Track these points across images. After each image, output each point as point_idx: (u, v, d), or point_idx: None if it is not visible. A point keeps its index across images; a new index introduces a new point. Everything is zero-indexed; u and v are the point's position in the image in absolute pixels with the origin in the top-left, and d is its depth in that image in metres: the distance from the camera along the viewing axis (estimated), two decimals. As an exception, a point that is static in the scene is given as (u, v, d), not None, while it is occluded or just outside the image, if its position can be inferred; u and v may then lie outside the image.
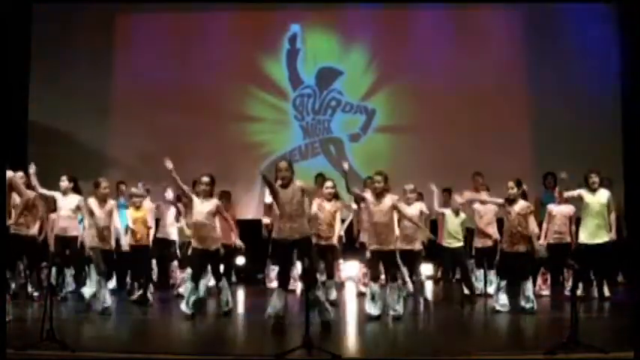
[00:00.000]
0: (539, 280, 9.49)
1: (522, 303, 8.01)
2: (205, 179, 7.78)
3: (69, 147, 11.99)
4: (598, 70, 11.83)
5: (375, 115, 12.47)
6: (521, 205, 8.03)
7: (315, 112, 12.57)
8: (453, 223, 9.15)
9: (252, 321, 7.91)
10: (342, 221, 10.04)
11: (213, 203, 7.80)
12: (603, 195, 8.79)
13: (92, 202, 8.19)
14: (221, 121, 12.37)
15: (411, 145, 12.12)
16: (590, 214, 8.75)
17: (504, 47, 12.18)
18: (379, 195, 7.58)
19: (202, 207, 7.72)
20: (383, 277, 7.93)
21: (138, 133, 12.29)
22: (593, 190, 8.79)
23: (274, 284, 9.74)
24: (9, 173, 6.86)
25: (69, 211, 8.98)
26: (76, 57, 12.27)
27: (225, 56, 12.44)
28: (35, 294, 8.94)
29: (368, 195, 7.71)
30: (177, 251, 9.89)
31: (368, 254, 7.74)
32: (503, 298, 8.08)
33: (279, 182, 7.01)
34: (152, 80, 12.36)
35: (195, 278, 7.79)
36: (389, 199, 7.60)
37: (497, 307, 8.07)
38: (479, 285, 9.36)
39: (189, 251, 8.08)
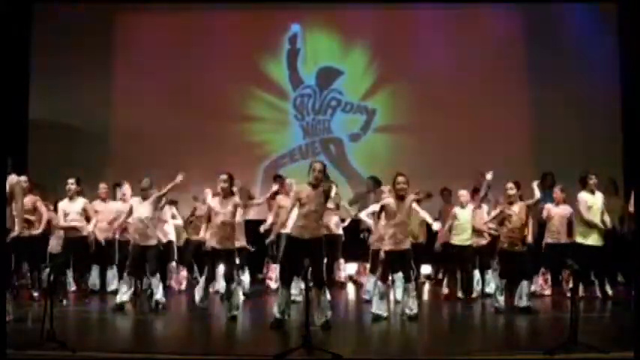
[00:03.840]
0: (540, 280, 9.50)
1: (520, 302, 8.02)
2: (223, 176, 7.72)
3: (69, 147, 11.98)
4: (598, 70, 11.83)
5: (375, 115, 12.47)
6: (519, 205, 8.08)
7: (315, 112, 12.58)
8: (462, 218, 9.12)
9: (253, 321, 7.91)
10: (342, 220, 10.11)
11: (233, 202, 7.74)
12: (599, 197, 8.83)
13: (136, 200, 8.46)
14: (221, 121, 12.37)
15: (411, 145, 12.12)
16: (590, 216, 8.77)
17: (504, 47, 12.18)
18: (402, 197, 7.60)
19: (222, 206, 7.68)
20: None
21: (138, 132, 12.29)
22: (591, 192, 8.82)
23: (273, 284, 9.77)
24: (13, 178, 6.85)
25: (76, 214, 9.05)
26: (76, 57, 12.25)
27: (225, 56, 12.44)
28: (35, 294, 8.95)
29: (390, 200, 7.68)
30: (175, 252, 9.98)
31: (382, 255, 7.73)
32: (502, 299, 8.08)
33: (309, 181, 7.08)
34: (152, 80, 12.35)
35: (210, 279, 7.84)
36: (408, 200, 7.63)
37: (497, 308, 8.06)
38: (476, 286, 9.34)
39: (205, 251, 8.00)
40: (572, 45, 11.93)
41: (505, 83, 12.09)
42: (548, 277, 9.54)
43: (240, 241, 9.04)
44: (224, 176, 7.71)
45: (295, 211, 7.31)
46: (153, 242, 8.34)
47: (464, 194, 9.20)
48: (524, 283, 8.06)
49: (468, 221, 9.09)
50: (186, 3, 12.35)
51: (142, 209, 8.33)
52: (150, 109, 12.30)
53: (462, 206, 9.14)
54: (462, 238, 9.09)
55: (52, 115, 12.30)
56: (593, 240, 8.81)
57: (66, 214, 9.10)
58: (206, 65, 12.36)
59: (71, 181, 9.10)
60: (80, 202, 9.15)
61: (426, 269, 11.08)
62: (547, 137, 11.76)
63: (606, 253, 8.88)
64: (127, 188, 9.61)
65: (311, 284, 6.69)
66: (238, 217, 8.56)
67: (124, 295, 8.29)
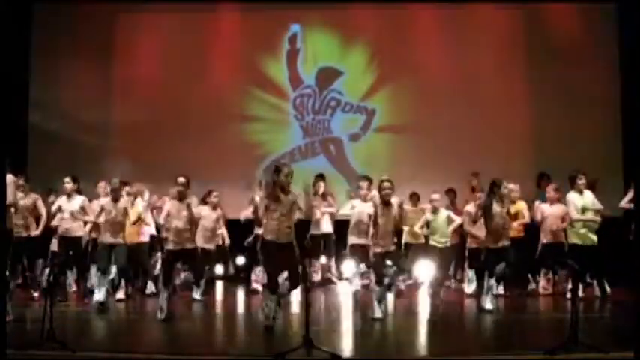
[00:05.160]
0: (543, 281, 9.53)
1: (483, 302, 8.06)
2: (181, 179, 7.75)
3: (69, 147, 11.98)
4: (598, 70, 11.83)
5: (375, 115, 12.46)
6: (505, 204, 8.21)
7: (315, 112, 12.57)
8: (435, 221, 9.24)
9: (252, 321, 7.91)
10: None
11: (188, 205, 7.76)
12: (589, 196, 8.86)
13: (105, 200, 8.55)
14: (221, 121, 12.37)
15: (411, 145, 12.11)
16: (575, 217, 8.82)
17: (504, 47, 12.17)
18: (387, 202, 7.65)
19: (179, 209, 7.70)
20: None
21: (138, 132, 12.29)
22: (579, 192, 8.85)
23: (258, 285, 9.79)
24: (8, 178, 6.85)
25: (74, 213, 9.02)
26: (76, 57, 12.24)
27: (225, 56, 12.45)
28: (35, 294, 8.95)
29: (377, 202, 7.77)
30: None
31: (372, 257, 7.77)
32: (492, 298, 8.12)
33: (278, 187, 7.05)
34: (152, 80, 12.35)
35: (167, 281, 7.77)
36: (395, 203, 7.70)
37: (488, 307, 8.07)
38: (471, 286, 9.35)
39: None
40: (572, 45, 11.92)
41: (505, 83, 12.07)
42: (550, 276, 9.55)
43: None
44: (182, 179, 7.75)
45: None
46: (120, 240, 8.42)
47: (437, 198, 9.29)
48: (493, 282, 8.15)
49: (442, 223, 9.19)
50: (186, 3, 12.34)
51: (114, 211, 8.39)
52: (150, 110, 12.29)
53: (435, 211, 9.23)
54: (435, 238, 9.17)
55: (52, 115, 12.29)
56: (585, 240, 8.83)
57: (63, 213, 9.09)
58: (206, 65, 12.37)
59: (67, 179, 9.07)
60: (79, 200, 9.12)
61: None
62: (547, 137, 11.75)
63: (602, 252, 8.89)
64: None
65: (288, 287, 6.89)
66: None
67: (101, 294, 8.24)
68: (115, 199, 8.44)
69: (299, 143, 12.51)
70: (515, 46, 12.19)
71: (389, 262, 7.78)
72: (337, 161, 12.38)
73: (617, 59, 11.85)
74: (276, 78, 12.60)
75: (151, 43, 12.49)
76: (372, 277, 7.93)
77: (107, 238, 8.42)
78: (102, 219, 8.57)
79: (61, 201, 9.14)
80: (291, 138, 12.57)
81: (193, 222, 7.84)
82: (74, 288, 9.63)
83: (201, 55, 12.42)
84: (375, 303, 7.61)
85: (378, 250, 7.64)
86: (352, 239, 8.39)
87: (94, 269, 9.93)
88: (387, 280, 7.72)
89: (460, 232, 9.65)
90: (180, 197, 7.76)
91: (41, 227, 9.01)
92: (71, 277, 9.62)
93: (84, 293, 9.22)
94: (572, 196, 8.88)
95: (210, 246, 9.25)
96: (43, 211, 9.03)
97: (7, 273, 7.12)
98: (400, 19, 12.49)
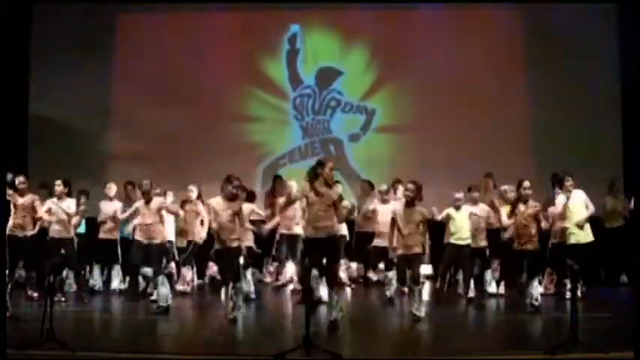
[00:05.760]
0: (546, 281, 9.55)
1: (529, 301, 8.11)
2: (236, 182, 7.71)
3: (69, 147, 11.99)
4: (598, 70, 11.83)
5: (374, 115, 12.46)
6: (530, 204, 8.21)
7: (315, 112, 12.57)
8: (456, 219, 9.17)
9: (252, 321, 7.91)
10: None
11: (238, 204, 7.75)
12: (579, 196, 8.88)
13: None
14: (221, 121, 12.36)
15: (411, 145, 12.11)
16: (570, 217, 8.84)
17: (504, 47, 12.17)
18: (410, 203, 7.67)
19: (227, 209, 7.64)
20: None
21: (138, 133, 12.29)
22: (568, 192, 8.89)
23: (268, 279, 9.84)
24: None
25: (63, 215, 9.02)
26: (76, 57, 12.24)
27: (225, 56, 12.44)
28: (35, 294, 8.94)
29: (398, 204, 7.89)
30: (175, 252, 9.91)
31: (395, 258, 7.87)
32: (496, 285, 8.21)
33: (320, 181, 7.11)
34: (152, 80, 12.34)
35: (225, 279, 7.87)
36: (418, 207, 7.73)
37: (491, 290, 8.15)
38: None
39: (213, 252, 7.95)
40: (572, 45, 11.91)
41: (505, 83, 12.06)
42: (555, 277, 9.57)
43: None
44: (236, 182, 7.73)
45: (299, 211, 7.37)
46: (156, 241, 8.31)
47: (460, 197, 9.27)
48: (535, 282, 8.19)
49: (462, 221, 9.13)
50: (186, 3, 12.34)
51: (147, 214, 8.31)
52: (149, 109, 12.28)
53: (457, 208, 9.20)
54: (457, 237, 9.16)
55: (52, 114, 12.29)
56: (577, 238, 8.86)
57: (54, 213, 9.09)
58: (206, 65, 12.35)
59: (58, 182, 9.09)
60: (67, 203, 9.13)
61: (425, 269, 11.06)
62: (548, 137, 11.75)
63: (589, 254, 8.90)
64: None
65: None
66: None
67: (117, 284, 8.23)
68: (148, 201, 8.35)
69: (299, 143, 12.51)
70: (515, 46, 12.18)
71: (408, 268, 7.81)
72: (337, 161, 12.33)
73: (617, 59, 11.85)
74: (276, 78, 12.59)
75: (150, 43, 12.48)
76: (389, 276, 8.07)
77: (142, 238, 8.33)
78: (138, 220, 8.56)
79: (52, 203, 9.15)
80: (291, 138, 12.56)
81: (241, 221, 7.80)
82: (74, 288, 9.62)
83: (201, 55, 12.41)
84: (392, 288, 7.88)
85: (401, 251, 7.66)
86: (375, 241, 8.85)
87: (97, 270, 9.99)
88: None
89: None
90: (231, 197, 7.68)
91: (37, 227, 9.01)
92: (71, 277, 9.61)
93: (80, 294, 9.21)
94: (560, 198, 8.96)
95: (248, 244, 9.02)
96: (40, 211, 9.04)
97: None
98: (400, 19, 12.48)
